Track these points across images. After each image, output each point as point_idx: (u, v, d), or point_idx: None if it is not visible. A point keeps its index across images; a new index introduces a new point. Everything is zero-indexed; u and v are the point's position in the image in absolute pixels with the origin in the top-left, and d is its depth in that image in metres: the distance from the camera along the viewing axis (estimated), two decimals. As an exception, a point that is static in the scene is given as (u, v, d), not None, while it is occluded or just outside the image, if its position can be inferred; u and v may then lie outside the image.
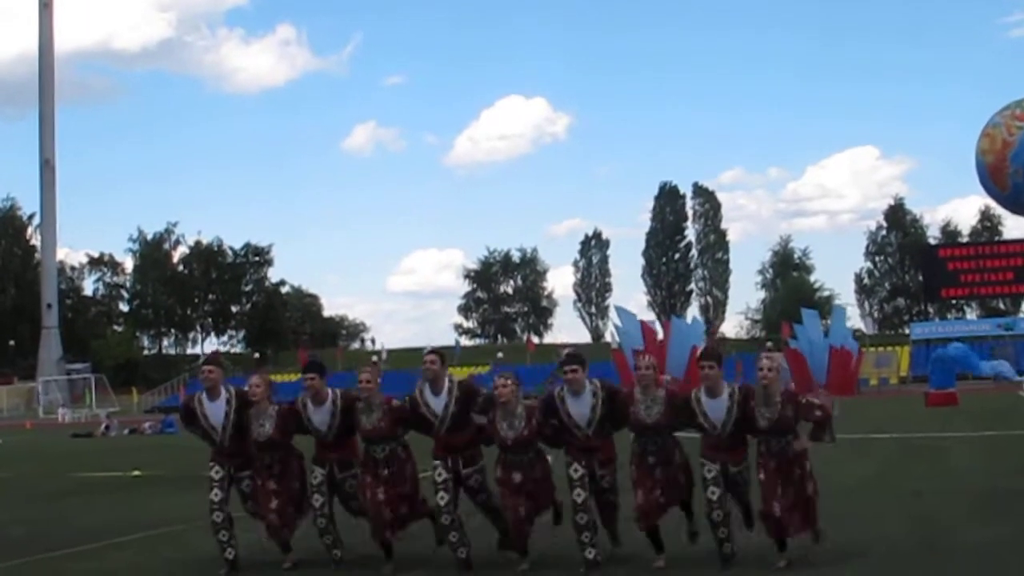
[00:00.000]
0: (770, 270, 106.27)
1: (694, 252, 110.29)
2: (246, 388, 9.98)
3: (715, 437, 9.06)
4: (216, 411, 9.98)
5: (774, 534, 9.02)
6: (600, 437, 9.22)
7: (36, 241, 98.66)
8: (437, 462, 9.48)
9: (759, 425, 8.95)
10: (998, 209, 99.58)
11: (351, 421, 9.71)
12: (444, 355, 9.91)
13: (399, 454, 9.61)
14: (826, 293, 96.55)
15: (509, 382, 9.30)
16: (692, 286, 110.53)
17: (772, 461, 8.95)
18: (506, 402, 9.24)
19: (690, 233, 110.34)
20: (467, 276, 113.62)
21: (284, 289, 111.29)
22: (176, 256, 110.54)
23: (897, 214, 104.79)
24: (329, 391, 9.82)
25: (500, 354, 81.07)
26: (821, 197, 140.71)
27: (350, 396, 9.81)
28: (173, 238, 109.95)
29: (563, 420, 9.21)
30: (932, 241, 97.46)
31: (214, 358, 10.75)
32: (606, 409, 9.17)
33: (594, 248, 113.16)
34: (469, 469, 9.46)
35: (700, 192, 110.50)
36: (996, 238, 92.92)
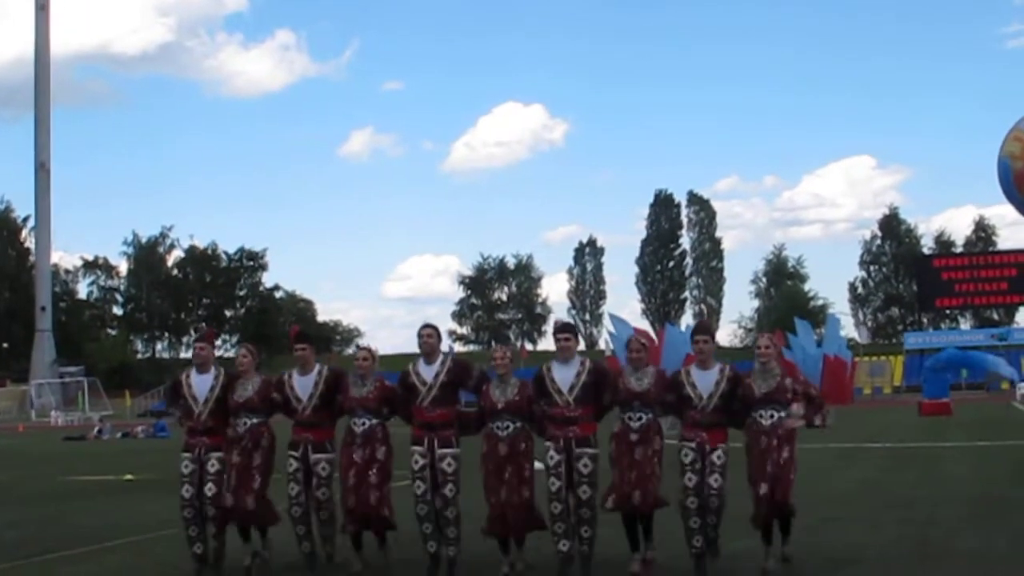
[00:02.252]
0: (764, 279, 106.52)
1: (688, 260, 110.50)
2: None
3: (697, 412, 9.06)
4: (202, 383, 10.02)
5: (763, 519, 8.96)
6: (581, 406, 9.17)
7: (31, 244, 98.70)
8: (415, 447, 9.44)
9: (756, 394, 8.99)
10: (992, 219, 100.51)
11: (333, 396, 9.74)
12: (439, 329, 9.95)
13: (377, 433, 9.58)
14: (820, 302, 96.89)
15: (508, 354, 9.48)
16: (686, 294, 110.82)
17: (763, 437, 8.95)
18: (503, 373, 9.37)
19: (685, 241, 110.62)
20: (462, 282, 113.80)
21: (278, 294, 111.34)
22: (171, 260, 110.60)
23: (891, 223, 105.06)
24: (317, 364, 9.91)
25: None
26: (816, 206, 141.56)
27: (338, 371, 9.92)
28: (168, 242, 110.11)
29: (547, 388, 9.27)
30: (926, 251, 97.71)
31: (207, 336, 10.75)
32: (591, 378, 9.24)
33: (588, 255, 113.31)
34: (444, 450, 9.36)
35: (695, 200, 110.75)
36: (990, 248, 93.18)
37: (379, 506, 9.52)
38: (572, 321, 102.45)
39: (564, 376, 9.27)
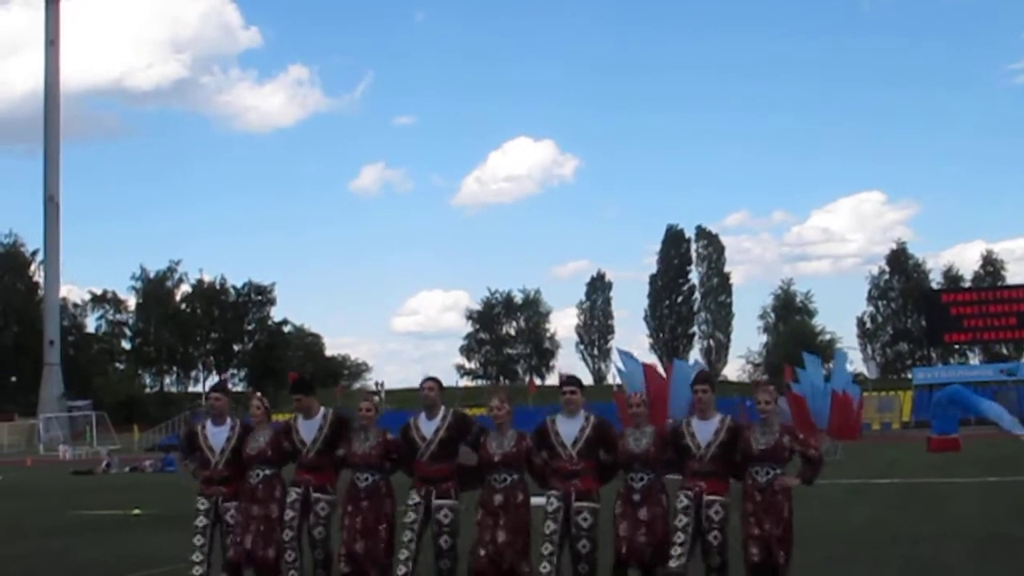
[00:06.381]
0: (772, 314, 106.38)
1: (697, 295, 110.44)
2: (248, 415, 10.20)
3: (696, 462, 9.03)
4: (218, 435, 10.18)
5: (760, 558, 8.77)
6: (584, 460, 9.20)
7: (39, 277, 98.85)
8: (412, 493, 9.53)
9: (754, 450, 8.92)
10: (1001, 254, 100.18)
11: (337, 441, 9.79)
12: (442, 383, 9.98)
13: (380, 488, 9.63)
14: (828, 337, 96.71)
15: (504, 405, 9.50)
16: (695, 329, 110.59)
17: (758, 494, 8.86)
18: (500, 424, 9.41)
19: (693, 276, 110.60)
20: (469, 317, 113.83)
21: (286, 328, 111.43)
22: (179, 294, 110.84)
23: (900, 258, 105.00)
24: (321, 408, 9.97)
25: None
26: (825, 241, 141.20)
27: (342, 416, 9.98)
28: (176, 276, 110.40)
29: (551, 441, 9.29)
30: (935, 286, 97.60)
31: (222, 386, 10.91)
32: (595, 434, 9.26)
33: (597, 290, 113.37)
34: (441, 501, 9.43)
35: (703, 235, 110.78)
36: (999, 283, 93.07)
37: (385, 562, 9.58)
38: (577, 358, 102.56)
39: (568, 430, 9.29)
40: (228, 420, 10.22)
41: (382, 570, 9.54)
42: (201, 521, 9.99)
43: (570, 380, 9.59)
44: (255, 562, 9.75)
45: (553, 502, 9.08)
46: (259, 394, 10.63)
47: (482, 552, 9.12)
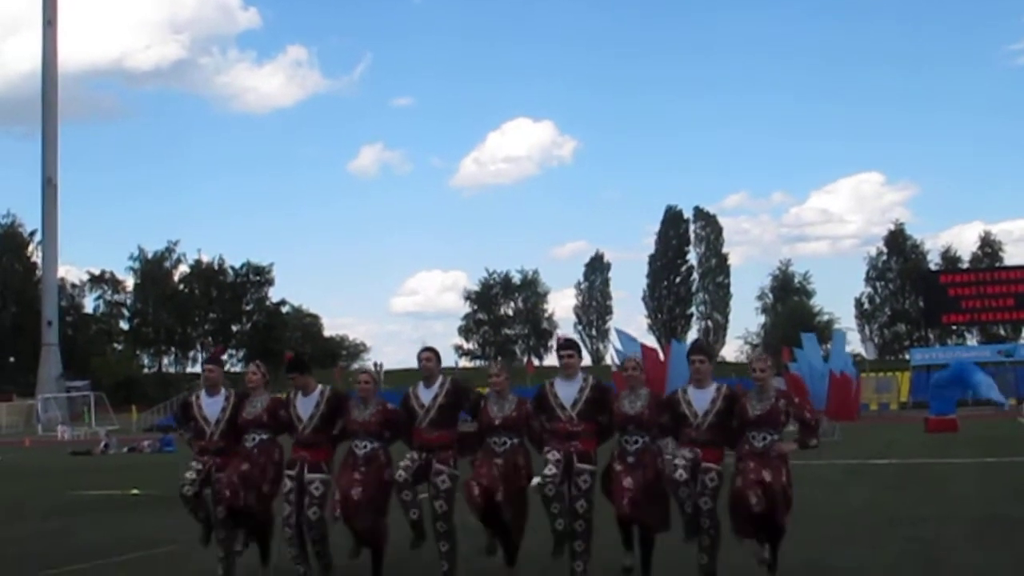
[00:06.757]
0: (770, 295, 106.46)
1: (695, 276, 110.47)
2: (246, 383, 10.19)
3: (693, 430, 9.03)
4: (213, 406, 10.15)
5: (745, 530, 8.75)
6: (583, 422, 9.26)
7: (37, 258, 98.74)
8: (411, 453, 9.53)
9: (750, 416, 8.92)
10: (999, 235, 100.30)
11: (334, 418, 9.78)
12: (439, 353, 10.01)
13: (379, 456, 9.60)
14: (826, 318, 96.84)
15: (503, 373, 9.62)
16: (693, 310, 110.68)
17: (753, 460, 8.81)
18: (500, 391, 9.49)
19: (692, 257, 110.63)
20: (468, 297, 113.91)
21: (284, 309, 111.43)
22: (177, 275, 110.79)
23: (897, 239, 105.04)
24: (319, 385, 9.97)
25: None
26: (824, 222, 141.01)
27: (340, 394, 9.99)
28: (174, 256, 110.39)
29: (550, 403, 9.36)
30: (933, 267, 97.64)
31: (215, 357, 10.95)
32: (593, 395, 9.34)
33: (595, 271, 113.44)
34: (440, 466, 9.42)
35: (702, 216, 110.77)
36: (997, 264, 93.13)
37: (379, 528, 9.57)
38: (575, 337, 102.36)
39: (567, 392, 9.35)
40: (222, 391, 10.20)
41: (373, 531, 9.48)
42: (191, 475, 9.90)
43: (568, 344, 9.68)
44: (239, 508, 9.69)
45: (552, 467, 9.03)
46: (258, 361, 10.59)
47: (474, 482, 9.12)
